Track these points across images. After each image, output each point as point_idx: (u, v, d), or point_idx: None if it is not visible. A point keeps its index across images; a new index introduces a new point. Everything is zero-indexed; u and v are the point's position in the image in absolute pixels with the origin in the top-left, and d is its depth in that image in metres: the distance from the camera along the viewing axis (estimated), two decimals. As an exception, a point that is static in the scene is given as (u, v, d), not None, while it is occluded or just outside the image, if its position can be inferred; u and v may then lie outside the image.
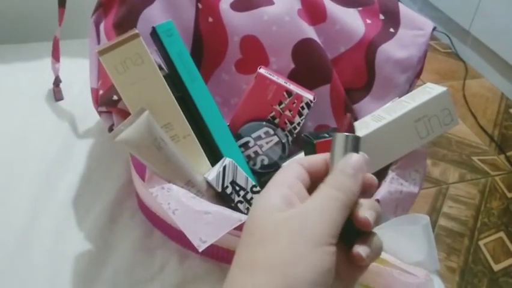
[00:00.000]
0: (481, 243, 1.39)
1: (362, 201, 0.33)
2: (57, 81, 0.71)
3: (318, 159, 0.35)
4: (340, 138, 0.34)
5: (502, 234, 1.42)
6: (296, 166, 0.34)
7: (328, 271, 0.29)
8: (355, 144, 0.34)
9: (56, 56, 0.69)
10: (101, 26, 0.53)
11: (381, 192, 0.48)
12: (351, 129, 0.36)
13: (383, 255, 0.47)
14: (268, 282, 0.28)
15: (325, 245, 0.29)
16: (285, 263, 0.28)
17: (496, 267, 1.33)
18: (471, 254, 1.36)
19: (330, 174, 0.33)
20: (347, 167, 0.32)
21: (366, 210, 0.32)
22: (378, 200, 0.47)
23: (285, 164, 0.51)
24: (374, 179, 0.35)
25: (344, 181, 0.32)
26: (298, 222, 0.30)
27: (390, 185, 0.49)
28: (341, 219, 0.31)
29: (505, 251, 1.38)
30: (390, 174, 0.50)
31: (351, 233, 0.32)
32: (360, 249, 0.31)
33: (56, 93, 0.71)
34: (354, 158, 0.33)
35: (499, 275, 1.31)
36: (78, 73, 0.65)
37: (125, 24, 0.52)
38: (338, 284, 0.31)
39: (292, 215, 0.31)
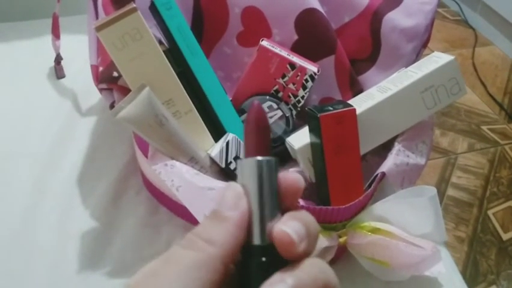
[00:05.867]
0: (490, 212, 1.39)
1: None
2: (58, 59, 0.70)
3: None
4: (244, 167, 0.24)
5: (511, 203, 1.42)
6: None
7: None
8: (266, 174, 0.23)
9: (56, 33, 0.68)
10: (99, 1, 0.52)
11: (387, 165, 0.47)
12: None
13: (390, 227, 0.47)
14: None
15: None
16: None
17: (505, 236, 1.33)
18: (480, 223, 1.35)
19: None
20: (220, 207, 0.24)
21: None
22: (384, 173, 0.47)
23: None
24: (299, 180, 0.24)
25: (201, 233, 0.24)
26: None
27: (396, 157, 0.48)
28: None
29: (514, 220, 1.38)
30: (397, 146, 0.49)
31: None
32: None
33: (58, 71, 0.71)
34: (228, 193, 0.24)
35: (508, 244, 1.31)
36: (79, 50, 0.64)
37: (123, -2, 0.50)
38: None
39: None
